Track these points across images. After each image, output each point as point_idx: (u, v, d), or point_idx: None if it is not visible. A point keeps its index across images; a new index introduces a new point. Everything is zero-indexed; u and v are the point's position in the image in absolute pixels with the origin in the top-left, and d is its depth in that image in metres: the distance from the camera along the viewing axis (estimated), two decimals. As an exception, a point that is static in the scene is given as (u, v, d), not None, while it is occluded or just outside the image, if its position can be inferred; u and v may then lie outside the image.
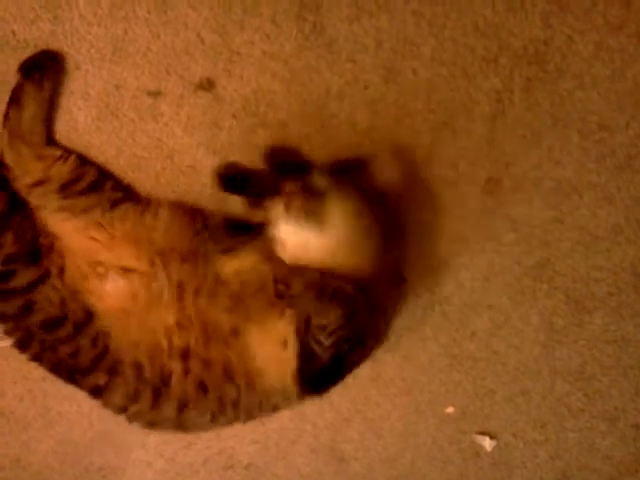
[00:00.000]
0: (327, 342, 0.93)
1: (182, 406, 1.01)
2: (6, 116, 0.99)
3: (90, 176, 1.02)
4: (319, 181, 0.94)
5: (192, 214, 1.05)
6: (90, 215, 1.00)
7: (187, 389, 1.00)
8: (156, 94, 1.03)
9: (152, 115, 1.04)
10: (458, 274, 1.18)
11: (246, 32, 1.00)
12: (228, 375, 1.00)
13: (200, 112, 1.03)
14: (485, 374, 1.26)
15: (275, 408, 1.05)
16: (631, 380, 1.28)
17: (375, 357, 1.23)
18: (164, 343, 0.99)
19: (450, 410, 1.30)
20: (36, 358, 1.00)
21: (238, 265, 1.01)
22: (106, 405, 1.03)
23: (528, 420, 1.31)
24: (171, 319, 0.99)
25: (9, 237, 0.97)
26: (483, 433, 1.32)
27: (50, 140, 1.03)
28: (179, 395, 1.00)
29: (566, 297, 1.20)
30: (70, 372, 1.01)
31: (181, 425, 1.04)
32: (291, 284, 0.96)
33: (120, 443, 1.32)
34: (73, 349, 0.98)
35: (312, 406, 1.29)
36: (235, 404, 1.02)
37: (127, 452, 1.33)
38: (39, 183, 0.99)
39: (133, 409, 1.02)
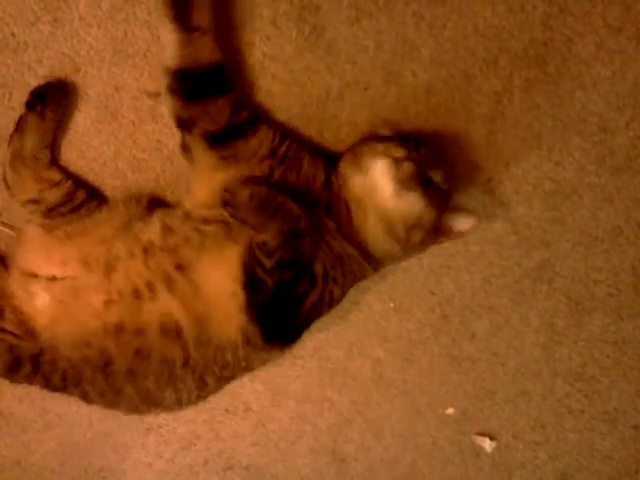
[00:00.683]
0: (268, 264, 0.91)
1: (132, 378, 0.98)
2: (10, 140, 1.01)
3: (77, 201, 1.04)
4: (438, 178, 0.95)
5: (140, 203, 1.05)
6: (58, 230, 1.02)
7: (127, 361, 0.97)
8: (156, 95, 1.03)
9: (152, 116, 1.04)
10: (458, 275, 1.18)
11: (246, 34, 1.00)
12: (168, 333, 0.96)
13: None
14: (485, 375, 1.27)
15: (234, 367, 1.00)
16: (631, 381, 1.28)
17: (376, 358, 1.24)
18: (99, 328, 0.97)
19: (450, 411, 1.30)
20: (30, 384, 1.03)
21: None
22: (102, 407, 1.05)
23: (528, 421, 1.31)
24: (100, 300, 0.97)
25: None
26: (483, 434, 1.32)
27: (53, 162, 1.05)
28: (124, 369, 0.98)
29: (566, 298, 1.21)
30: (55, 389, 1.02)
31: (147, 399, 1.02)
32: (236, 192, 0.92)
33: (120, 444, 1.32)
34: (43, 379, 1.00)
35: (312, 407, 1.29)
36: (185, 364, 0.98)
37: (127, 453, 1.33)
38: (32, 202, 1.02)
39: (108, 399, 1.02)
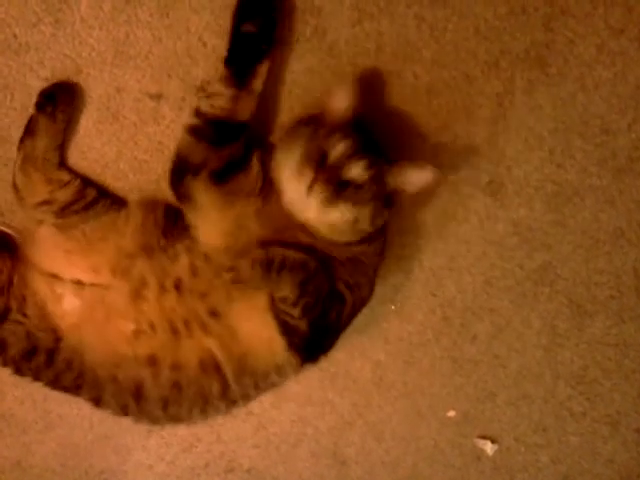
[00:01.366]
0: (295, 313, 0.93)
1: (164, 405, 1.01)
2: (21, 142, 1.02)
3: (88, 198, 1.04)
4: (356, 173, 0.91)
5: (157, 213, 1.04)
6: (73, 229, 1.02)
7: (162, 392, 1.00)
8: (158, 97, 1.03)
9: (153, 118, 1.04)
10: (460, 277, 1.18)
11: (247, 35, 1.00)
12: (207, 369, 0.98)
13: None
14: (486, 378, 1.26)
15: (273, 385, 1.03)
16: (633, 384, 1.28)
17: (376, 361, 1.24)
18: (129, 353, 0.99)
19: (451, 414, 1.29)
20: (36, 379, 1.03)
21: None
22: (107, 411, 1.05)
23: (530, 424, 1.31)
24: (130, 328, 0.99)
25: None
26: (484, 437, 1.32)
27: (62, 164, 1.05)
28: (157, 397, 1.00)
29: (568, 300, 1.20)
30: (62, 388, 1.03)
31: (174, 419, 1.04)
32: (239, 267, 0.93)
33: (121, 446, 1.32)
34: (53, 374, 1.01)
35: (313, 410, 1.29)
36: (223, 395, 1.01)
37: (128, 455, 1.33)
38: (44, 203, 1.02)
39: (130, 412, 1.03)
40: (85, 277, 1.01)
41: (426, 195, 1.11)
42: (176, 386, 0.99)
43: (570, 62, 1.03)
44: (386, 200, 0.95)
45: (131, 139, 1.06)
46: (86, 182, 1.06)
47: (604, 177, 1.11)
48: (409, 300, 1.20)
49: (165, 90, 1.02)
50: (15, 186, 1.03)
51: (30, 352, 1.00)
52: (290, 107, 1.04)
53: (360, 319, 1.19)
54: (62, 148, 1.04)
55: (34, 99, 1.02)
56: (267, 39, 0.93)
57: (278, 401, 1.28)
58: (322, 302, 0.95)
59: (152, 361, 0.98)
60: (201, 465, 1.35)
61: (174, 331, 0.98)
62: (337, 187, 0.90)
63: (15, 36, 0.99)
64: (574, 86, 1.04)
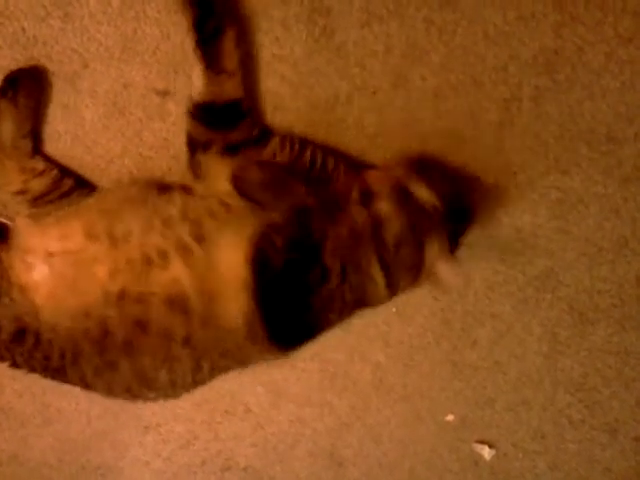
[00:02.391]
0: (278, 240, 0.91)
1: (129, 352, 0.95)
2: None
3: (64, 187, 1.04)
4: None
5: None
6: (47, 217, 1.01)
7: (126, 332, 0.94)
8: (164, 93, 1.03)
9: (159, 114, 1.04)
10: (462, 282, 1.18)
11: (256, 34, 1.00)
12: (173, 304, 0.92)
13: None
14: (486, 383, 1.26)
15: (231, 357, 0.98)
16: (632, 392, 1.28)
17: (376, 363, 1.24)
18: (100, 297, 0.93)
19: (450, 418, 1.29)
20: (31, 370, 1.01)
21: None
22: (97, 391, 1.03)
23: (528, 430, 1.31)
24: (103, 271, 0.94)
25: None
26: (482, 442, 1.32)
27: (36, 152, 1.04)
28: (122, 341, 0.94)
29: (569, 308, 1.20)
30: (54, 374, 1.01)
31: (144, 381, 0.99)
32: (246, 172, 0.93)
33: (118, 442, 1.32)
34: (43, 355, 0.98)
35: (311, 410, 1.29)
36: (185, 342, 0.94)
37: (125, 451, 1.33)
38: (19, 193, 1.02)
39: (105, 379, 0.99)
40: (57, 245, 0.98)
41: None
42: (139, 324, 0.93)
43: (578, 69, 1.02)
44: None
45: (137, 135, 1.06)
46: (64, 172, 1.05)
47: (609, 185, 1.11)
48: (410, 303, 1.20)
49: (172, 86, 1.02)
50: None
51: (19, 334, 0.97)
52: (297, 108, 1.04)
53: (360, 321, 1.19)
54: (34, 136, 1.03)
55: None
56: (212, 14, 0.91)
57: (277, 401, 1.28)
58: (306, 250, 0.92)
59: (120, 296, 0.93)
60: (198, 463, 1.35)
61: (147, 262, 0.93)
62: None
63: (23, 29, 0.99)
64: (582, 94, 1.04)
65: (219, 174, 0.97)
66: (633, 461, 1.33)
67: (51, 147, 1.07)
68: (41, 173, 1.03)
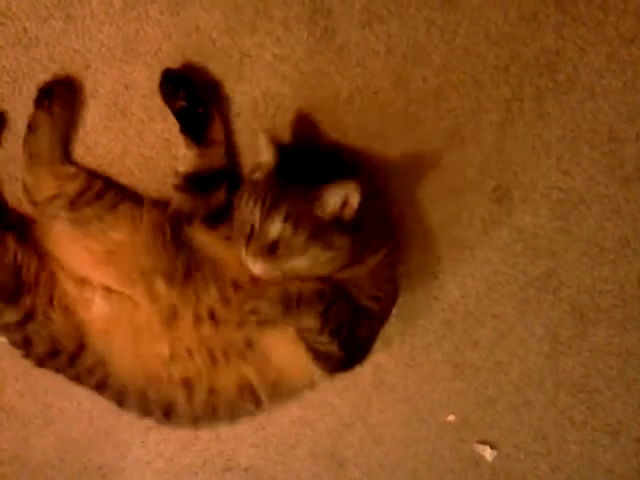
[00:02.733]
0: (324, 340, 0.95)
1: (195, 421, 1.05)
2: (24, 141, 1.03)
3: (96, 188, 1.05)
4: (275, 232, 0.90)
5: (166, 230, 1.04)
6: (90, 224, 1.02)
7: (195, 412, 1.03)
8: (166, 94, 1.03)
9: (161, 115, 1.04)
10: (463, 282, 1.18)
11: (257, 35, 1.00)
12: (243, 394, 1.02)
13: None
14: (487, 383, 1.26)
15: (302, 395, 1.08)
16: (634, 393, 1.27)
17: (377, 363, 1.24)
18: (163, 373, 1.01)
19: (451, 418, 1.29)
20: (57, 373, 1.05)
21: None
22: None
23: (530, 431, 1.30)
24: (165, 351, 1.01)
25: None
26: (484, 443, 1.31)
27: (67, 158, 1.06)
28: (188, 415, 1.04)
29: (571, 308, 1.20)
30: (86, 387, 1.05)
31: (201, 428, 1.08)
32: (259, 309, 0.93)
33: (120, 442, 1.32)
34: (75, 374, 1.03)
35: (313, 411, 1.29)
36: (255, 411, 1.05)
37: (126, 451, 1.33)
38: (53, 199, 1.03)
39: (156, 420, 1.06)
40: (113, 284, 1.02)
41: (431, 199, 1.11)
42: (210, 407, 1.02)
43: (580, 70, 1.03)
44: (338, 225, 0.90)
45: (138, 136, 1.06)
46: (91, 174, 1.06)
47: (611, 185, 1.11)
48: (412, 304, 1.19)
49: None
50: (24, 184, 1.04)
51: (53, 354, 1.01)
52: (298, 107, 1.04)
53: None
54: (66, 143, 1.05)
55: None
56: (199, 104, 0.97)
57: (278, 401, 1.28)
58: (347, 324, 0.96)
59: (187, 384, 1.01)
60: (199, 463, 1.35)
61: (212, 358, 1.00)
62: (269, 251, 0.90)
63: (25, 30, 0.99)
64: (583, 94, 1.04)
65: (212, 245, 1.02)
66: (635, 463, 1.32)
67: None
68: (73, 176, 1.04)
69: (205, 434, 1.31)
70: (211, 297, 1.00)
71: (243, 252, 0.91)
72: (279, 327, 0.98)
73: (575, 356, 1.23)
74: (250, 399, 1.03)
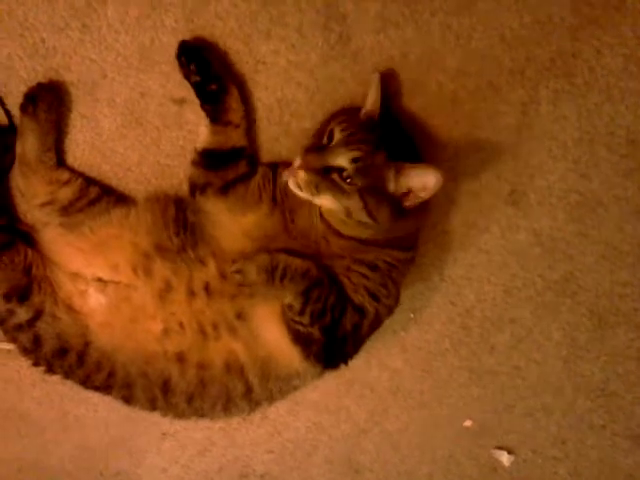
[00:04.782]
0: (304, 320, 0.96)
1: (190, 399, 1.04)
2: (15, 147, 1.04)
3: (91, 195, 1.06)
4: (339, 162, 0.90)
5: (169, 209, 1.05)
6: (81, 226, 1.03)
7: (188, 387, 1.03)
8: (181, 102, 1.04)
9: (177, 123, 1.05)
10: (480, 287, 1.17)
11: (272, 42, 1.00)
12: (232, 370, 1.01)
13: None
14: (505, 388, 1.25)
15: (295, 388, 1.06)
16: (654, 397, 1.26)
17: (394, 369, 1.23)
18: (158, 350, 1.02)
19: (468, 424, 1.28)
20: (66, 377, 1.05)
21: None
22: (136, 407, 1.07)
23: (548, 436, 1.29)
24: (159, 327, 1.01)
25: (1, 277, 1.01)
26: (501, 448, 1.31)
27: (60, 163, 1.06)
28: (183, 391, 1.03)
29: (589, 312, 1.19)
30: (95, 389, 1.05)
31: (198, 413, 1.06)
32: (246, 271, 0.95)
33: (136, 449, 1.32)
34: (84, 374, 1.03)
35: (329, 416, 1.28)
36: (246, 395, 1.04)
37: (142, 458, 1.33)
38: (46, 204, 1.04)
39: (157, 406, 1.06)
40: (105, 274, 1.02)
41: (448, 203, 1.11)
42: (201, 383, 1.02)
43: (597, 72, 1.02)
44: (394, 204, 0.92)
45: (154, 143, 1.06)
46: (89, 181, 1.07)
47: (629, 188, 1.10)
48: (428, 309, 1.19)
49: (188, 95, 1.03)
50: (17, 189, 1.06)
51: (61, 351, 1.02)
52: (313, 113, 1.04)
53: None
54: (56, 148, 1.05)
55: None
56: (212, 79, 0.97)
57: (294, 407, 1.28)
58: (331, 311, 0.96)
59: (180, 358, 1.01)
60: (215, 469, 1.35)
61: (203, 332, 1.00)
62: (319, 172, 0.90)
63: (43, 40, 1.00)
64: (600, 96, 1.03)
65: (220, 214, 1.01)
66: (656, 467, 1.31)
67: (70, 156, 1.08)
68: (66, 183, 1.05)
69: (221, 440, 1.31)
70: (208, 272, 1.00)
71: (300, 155, 0.91)
72: (269, 303, 0.98)
73: (594, 360, 1.22)
74: (238, 378, 1.02)
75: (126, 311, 1.01)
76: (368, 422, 1.29)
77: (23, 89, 1.02)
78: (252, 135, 1.06)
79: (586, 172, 1.09)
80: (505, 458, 1.31)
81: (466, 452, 1.31)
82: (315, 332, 0.97)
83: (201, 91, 0.98)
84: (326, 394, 1.26)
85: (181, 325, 1.00)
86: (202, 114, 1.00)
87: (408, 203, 0.92)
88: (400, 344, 1.22)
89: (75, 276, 1.03)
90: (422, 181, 0.89)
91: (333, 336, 0.98)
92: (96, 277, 1.02)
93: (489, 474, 1.33)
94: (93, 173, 1.08)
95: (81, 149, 1.07)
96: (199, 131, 1.02)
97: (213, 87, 0.97)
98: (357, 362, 1.22)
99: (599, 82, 1.03)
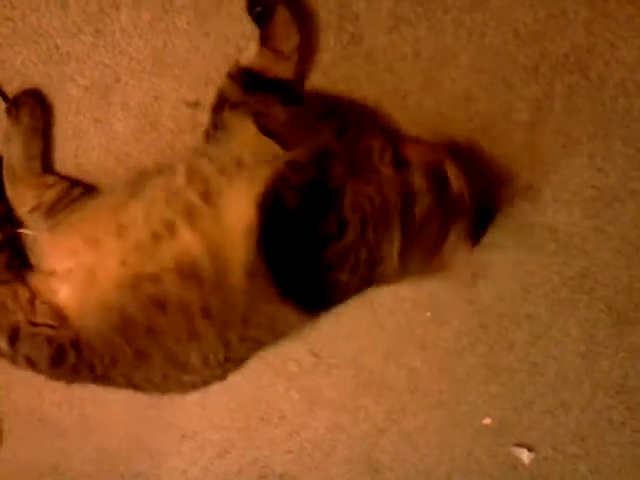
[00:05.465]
0: (294, 179, 0.84)
1: (152, 337, 0.93)
2: (2, 154, 1.04)
3: (74, 194, 1.05)
4: None
5: None
6: (61, 224, 1.01)
7: (145, 316, 0.91)
8: (195, 105, 1.04)
9: (191, 126, 1.05)
10: (496, 284, 1.17)
11: (284, 43, 1.00)
12: (184, 273, 0.87)
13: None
14: (524, 385, 1.24)
15: (256, 325, 0.92)
16: (674, 393, 1.25)
17: (412, 367, 1.23)
18: (115, 287, 0.91)
19: (487, 422, 1.28)
20: (72, 381, 1.02)
21: None
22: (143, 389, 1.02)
23: (567, 433, 1.28)
24: (115, 263, 0.91)
25: None
26: (521, 445, 1.30)
27: (47, 171, 1.07)
28: (144, 327, 0.92)
29: (607, 308, 1.18)
30: (103, 381, 1.01)
31: (178, 364, 0.96)
32: (271, 106, 0.90)
33: (155, 451, 1.33)
34: (87, 365, 0.97)
35: (347, 416, 1.28)
36: (204, 313, 0.89)
37: (162, 460, 1.34)
38: (34, 210, 1.04)
39: (144, 374, 0.99)
40: (72, 262, 0.98)
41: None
42: (155, 303, 0.89)
43: (611, 66, 1.01)
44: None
45: (168, 147, 1.07)
46: (73, 183, 1.07)
47: (646, 182, 1.09)
48: (445, 307, 1.18)
49: (202, 98, 1.03)
50: (7, 197, 1.05)
51: (58, 354, 0.96)
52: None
53: (395, 325, 1.18)
54: (44, 156, 1.06)
55: (74, 108, 1.04)
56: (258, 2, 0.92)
57: (312, 407, 1.28)
58: (323, 195, 0.85)
59: (135, 281, 0.89)
60: (234, 471, 1.36)
61: (156, 238, 0.88)
62: None
63: (57, 46, 1.00)
64: (615, 90, 1.02)
65: (241, 132, 0.93)
66: (677, 463, 1.30)
67: (84, 160, 1.09)
68: (51, 186, 1.05)
69: (240, 441, 1.32)
70: (177, 177, 0.91)
71: None
72: (247, 183, 0.86)
73: (613, 356, 1.21)
74: (192, 281, 0.87)
75: (88, 281, 0.94)
76: (386, 421, 1.29)
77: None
78: (303, 72, 1.00)
79: (602, 167, 1.08)
80: (525, 456, 1.30)
81: (485, 450, 1.31)
82: (290, 199, 0.83)
83: (250, 6, 0.93)
84: (344, 394, 1.26)
85: (137, 246, 0.90)
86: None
87: None
88: (418, 342, 1.21)
89: (48, 276, 1.00)
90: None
91: (299, 226, 0.85)
92: (67, 269, 0.98)
93: (509, 472, 1.32)
94: (107, 177, 1.09)
95: (96, 153, 1.08)
96: (249, 45, 0.97)
97: (258, 9, 0.92)
98: (374, 361, 1.23)
99: (614, 76, 1.02)
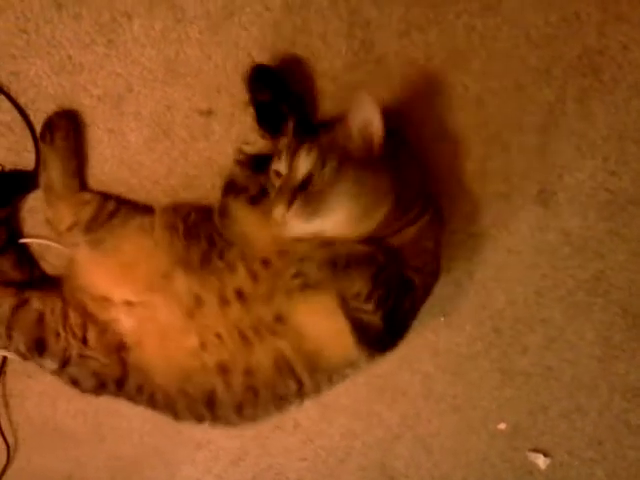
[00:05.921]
0: (369, 307, 0.90)
1: (239, 409, 1.02)
2: (40, 178, 1.06)
3: (110, 207, 1.07)
4: (304, 166, 0.89)
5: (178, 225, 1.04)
6: (104, 243, 1.04)
7: (235, 397, 1.00)
8: (207, 113, 1.04)
9: (203, 134, 1.06)
10: (510, 288, 1.16)
11: (296, 50, 1.00)
12: (281, 371, 0.98)
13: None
14: (538, 389, 1.24)
15: (346, 377, 1.02)
16: (690, 395, 1.24)
17: (425, 373, 1.22)
18: (197, 364, 1.00)
19: (502, 427, 1.27)
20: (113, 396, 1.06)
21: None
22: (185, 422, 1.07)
23: (583, 437, 1.27)
24: (194, 342, 0.99)
25: (17, 334, 1.03)
26: (537, 450, 1.29)
27: (84, 188, 1.09)
28: (231, 403, 1.01)
29: (622, 311, 1.17)
30: (140, 404, 1.06)
31: (251, 419, 1.04)
32: (305, 272, 0.91)
33: (170, 459, 1.33)
34: (127, 398, 1.05)
35: (361, 422, 1.28)
36: (299, 393, 1.01)
37: (177, 469, 1.34)
38: (72, 226, 1.06)
39: (206, 420, 1.04)
40: (132, 297, 1.02)
41: (476, 205, 1.10)
42: (250, 390, 1.00)
43: (624, 68, 1.01)
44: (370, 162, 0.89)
45: (181, 155, 1.07)
46: (104, 197, 1.08)
47: (660, 184, 1.08)
48: (458, 312, 1.18)
49: (215, 106, 1.03)
50: (46, 219, 1.08)
51: (100, 386, 1.04)
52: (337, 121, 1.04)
53: (408, 331, 1.17)
54: (80, 174, 1.07)
55: (88, 118, 1.05)
56: (284, 102, 0.96)
57: (326, 414, 1.27)
58: (395, 293, 0.91)
59: (223, 369, 0.99)
60: (249, 478, 1.35)
61: (244, 338, 0.98)
62: (301, 190, 0.89)
63: (70, 57, 1.01)
64: (628, 92, 1.02)
65: (244, 218, 1.00)
66: (696, 467, 1.29)
67: (98, 171, 1.09)
68: (87, 202, 1.07)
69: (254, 449, 1.31)
70: (238, 277, 0.97)
71: (276, 208, 0.89)
72: (309, 299, 0.94)
73: (629, 360, 1.21)
74: (288, 375, 0.99)
75: (156, 330, 1.01)
76: (401, 427, 1.28)
77: (52, 106, 1.03)
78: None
79: (615, 169, 1.07)
80: (541, 461, 1.29)
81: (500, 455, 1.30)
82: (376, 318, 0.91)
83: (267, 110, 0.96)
84: (358, 400, 1.25)
85: (218, 336, 0.98)
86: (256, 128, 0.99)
87: (377, 148, 0.89)
88: (431, 348, 1.21)
89: (105, 302, 1.03)
90: (362, 119, 0.88)
91: (393, 319, 0.93)
92: (124, 300, 1.03)
93: (525, 477, 1.32)
94: (121, 187, 1.09)
95: (109, 163, 1.08)
96: (250, 139, 1.00)
97: (284, 109, 0.96)
98: (388, 367, 1.22)
99: (626, 78, 1.01)
